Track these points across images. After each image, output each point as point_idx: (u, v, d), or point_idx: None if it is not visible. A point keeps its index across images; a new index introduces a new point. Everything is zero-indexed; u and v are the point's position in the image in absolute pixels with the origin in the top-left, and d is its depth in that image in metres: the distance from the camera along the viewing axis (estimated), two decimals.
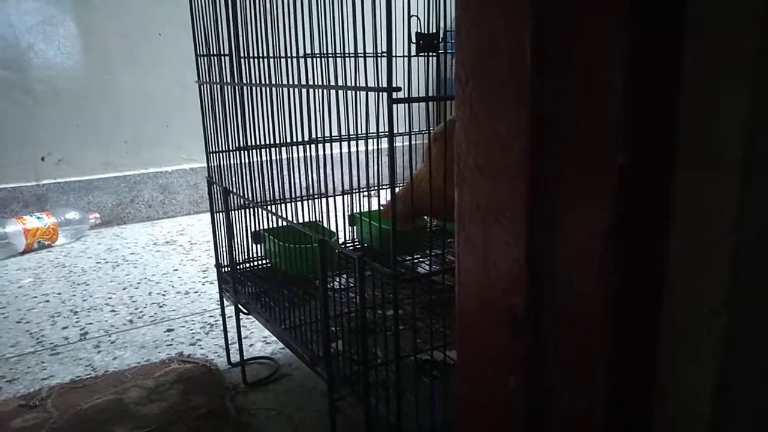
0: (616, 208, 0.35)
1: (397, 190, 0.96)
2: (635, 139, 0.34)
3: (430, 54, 0.82)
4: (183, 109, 2.40)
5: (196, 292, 1.60)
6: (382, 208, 1.05)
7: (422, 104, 0.62)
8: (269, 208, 0.93)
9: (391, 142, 0.54)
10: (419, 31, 0.82)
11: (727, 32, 0.31)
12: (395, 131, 0.56)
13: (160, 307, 1.50)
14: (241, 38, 0.91)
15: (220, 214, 1.08)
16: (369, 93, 0.61)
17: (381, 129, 0.68)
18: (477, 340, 0.46)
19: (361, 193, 1.11)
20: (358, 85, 0.62)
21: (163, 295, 1.58)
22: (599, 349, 0.37)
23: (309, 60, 0.76)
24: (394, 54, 0.53)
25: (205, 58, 1.04)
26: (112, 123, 2.33)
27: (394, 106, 0.55)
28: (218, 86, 1.03)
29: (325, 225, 0.92)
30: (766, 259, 0.34)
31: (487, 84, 0.41)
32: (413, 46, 0.82)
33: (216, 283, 1.57)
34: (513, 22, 0.38)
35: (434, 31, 0.81)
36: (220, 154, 1.06)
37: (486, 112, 0.42)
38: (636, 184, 0.35)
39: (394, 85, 0.54)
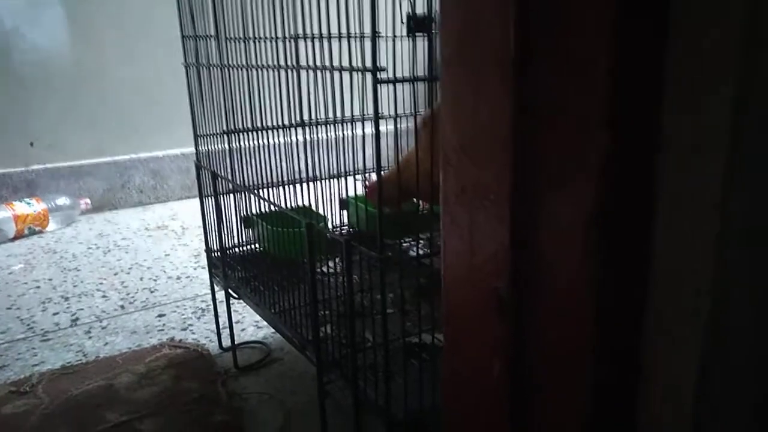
0: (600, 191, 0.35)
1: (384, 172, 0.95)
2: (620, 122, 0.34)
3: (420, 35, 0.81)
4: (174, 93, 2.37)
5: (188, 277, 1.59)
6: (366, 189, 1.05)
7: (413, 87, 0.61)
8: (259, 192, 0.92)
9: (377, 124, 0.53)
10: (410, 12, 0.81)
11: (712, 23, 0.31)
12: (384, 114, 0.55)
13: (152, 292, 1.50)
14: (226, 19, 0.90)
15: (209, 198, 1.08)
16: (356, 74, 0.60)
17: (363, 111, 0.67)
18: (463, 323, 0.46)
19: (353, 177, 1.10)
20: (342, 65, 0.61)
21: (155, 280, 1.58)
22: (583, 331, 0.37)
23: (294, 41, 0.75)
24: (379, 34, 0.52)
25: (192, 39, 1.02)
26: (102, 107, 2.31)
27: (383, 87, 0.54)
28: (205, 68, 1.02)
29: (316, 209, 0.91)
30: (751, 243, 0.34)
31: (471, 66, 0.41)
32: (401, 28, 0.80)
33: (207, 267, 1.56)
34: (498, 6, 0.38)
35: (426, 12, 0.80)
36: (209, 138, 1.05)
37: (470, 95, 0.41)
38: (621, 167, 0.34)
39: (380, 65, 0.53)
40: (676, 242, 0.34)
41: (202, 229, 1.52)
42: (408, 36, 0.82)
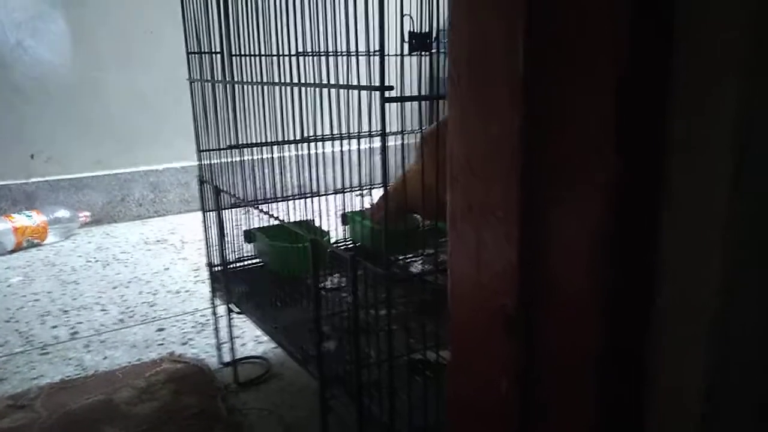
0: (608, 207, 0.35)
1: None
2: (628, 139, 0.34)
3: (423, 53, 0.82)
4: (174, 107, 2.39)
5: (187, 291, 1.59)
6: (368, 208, 1.05)
7: (415, 103, 0.62)
8: (261, 207, 0.92)
9: (383, 142, 0.54)
10: (412, 30, 0.82)
11: (716, 28, 0.31)
12: (388, 130, 0.56)
13: (151, 306, 1.49)
14: (232, 36, 0.91)
15: (212, 213, 1.08)
16: (361, 92, 0.61)
17: (374, 128, 0.68)
18: (470, 340, 0.46)
19: (354, 192, 1.10)
20: (350, 83, 0.62)
21: (154, 294, 1.57)
22: (591, 348, 0.37)
23: (301, 58, 0.76)
24: (386, 53, 0.53)
25: (197, 55, 1.03)
26: (103, 121, 2.32)
27: (387, 104, 0.55)
28: (210, 84, 1.02)
29: (318, 224, 0.92)
30: (757, 246, 0.34)
31: (479, 83, 0.41)
32: (403, 45, 0.81)
33: (207, 282, 1.56)
34: (506, 22, 0.38)
35: (427, 30, 0.81)
36: (212, 153, 1.05)
37: (478, 111, 0.42)
38: (628, 183, 0.35)
39: (386, 83, 0.54)
40: (683, 247, 0.35)
41: (200, 243, 1.50)
42: (410, 54, 0.83)
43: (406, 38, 0.82)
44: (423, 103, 0.63)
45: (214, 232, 1.08)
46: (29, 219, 1.99)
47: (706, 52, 0.32)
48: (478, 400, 0.46)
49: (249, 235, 1.06)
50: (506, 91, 0.39)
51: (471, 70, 0.42)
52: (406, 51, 0.82)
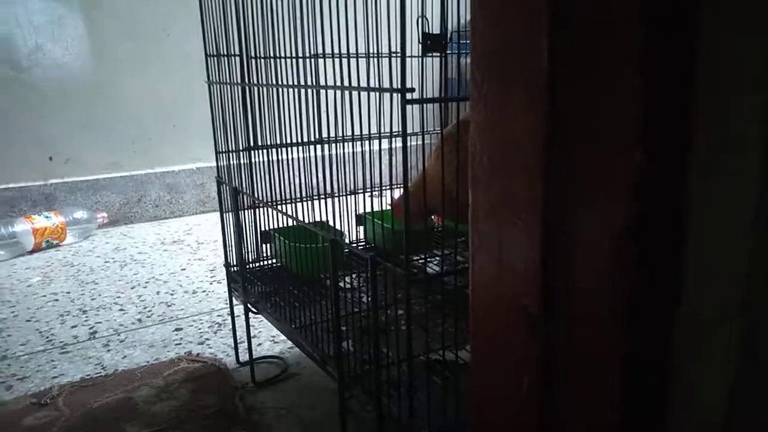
0: (632, 208, 0.35)
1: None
2: (652, 139, 0.34)
3: (437, 54, 0.82)
4: (190, 109, 2.41)
5: (204, 291, 1.60)
6: (393, 205, 1.05)
7: (439, 106, 0.62)
8: (278, 207, 0.93)
9: (404, 143, 0.54)
10: (426, 31, 0.82)
11: (740, 33, 0.31)
12: (398, 131, 0.56)
13: (169, 306, 1.51)
14: (250, 38, 0.92)
15: (229, 213, 1.09)
16: (381, 93, 0.61)
17: (391, 129, 0.68)
18: (491, 339, 0.47)
19: (370, 193, 1.11)
20: (370, 85, 0.62)
21: (171, 294, 1.59)
22: (614, 349, 0.38)
23: (322, 60, 0.77)
24: (408, 54, 0.53)
25: (215, 58, 1.04)
26: (120, 123, 2.34)
27: (407, 106, 0.55)
28: (228, 86, 1.03)
29: (333, 225, 0.92)
30: None
31: (502, 85, 0.41)
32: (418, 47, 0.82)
33: (224, 282, 1.57)
34: (530, 23, 0.38)
35: (442, 31, 0.81)
36: (230, 154, 1.06)
37: (501, 112, 0.42)
38: (652, 185, 0.35)
39: (407, 85, 0.54)
40: (708, 259, 0.35)
41: (216, 244, 1.51)
42: (425, 55, 0.83)
43: (420, 39, 0.82)
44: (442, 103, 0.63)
45: (231, 232, 1.09)
46: (48, 220, 2.02)
47: (730, 64, 0.32)
48: (500, 396, 0.46)
49: (266, 236, 1.06)
50: (529, 91, 0.39)
51: (493, 70, 0.42)
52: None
